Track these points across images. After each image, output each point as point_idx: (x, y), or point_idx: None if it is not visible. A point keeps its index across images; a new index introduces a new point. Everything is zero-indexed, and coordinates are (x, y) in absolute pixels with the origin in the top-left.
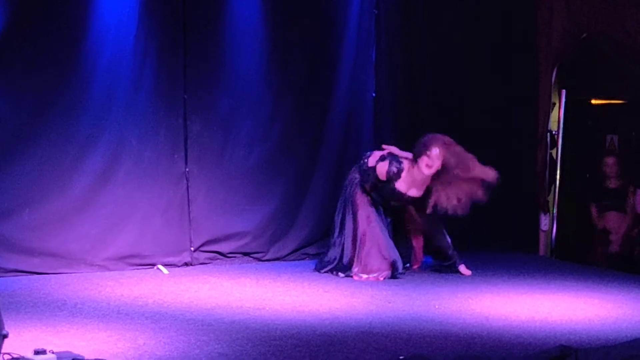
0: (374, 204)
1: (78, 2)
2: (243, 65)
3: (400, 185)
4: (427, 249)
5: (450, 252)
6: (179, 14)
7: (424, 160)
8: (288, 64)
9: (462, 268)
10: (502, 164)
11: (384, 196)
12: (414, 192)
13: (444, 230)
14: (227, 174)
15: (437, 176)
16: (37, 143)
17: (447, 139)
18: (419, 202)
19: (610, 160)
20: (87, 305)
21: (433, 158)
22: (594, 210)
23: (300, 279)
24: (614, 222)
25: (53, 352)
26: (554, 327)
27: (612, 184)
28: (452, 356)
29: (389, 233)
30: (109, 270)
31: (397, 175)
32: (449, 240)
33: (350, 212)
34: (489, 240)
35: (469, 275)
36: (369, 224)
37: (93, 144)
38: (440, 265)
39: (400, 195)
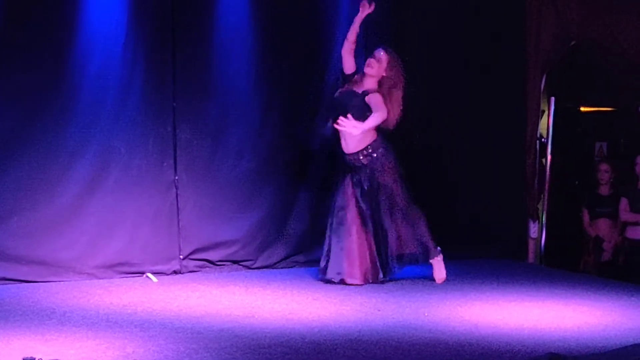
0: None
1: (66, 10)
2: (232, 73)
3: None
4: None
5: (430, 244)
6: (168, 22)
7: (370, 63)
8: (277, 72)
9: (436, 262)
10: (491, 171)
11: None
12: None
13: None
14: (216, 182)
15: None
16: (26, 151)
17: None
18: None
19: (603, 166)
20: (76, 313)
21: (379, 59)
22: (586, 217)
23: (289, 287)
24: (606, 230)
25: None
26: (543, 334)
27: (605, 191)
28: None
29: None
30: (98, 278)
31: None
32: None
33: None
34: (478, 247)
35: (442, 281)
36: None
37: (82, 152)
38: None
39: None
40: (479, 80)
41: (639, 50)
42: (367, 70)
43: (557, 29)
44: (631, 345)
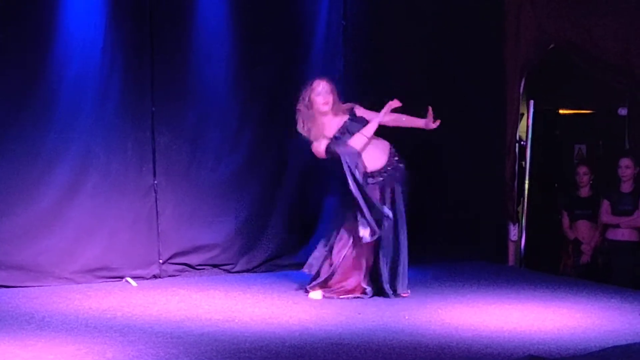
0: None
1: (44, 14)
2: (210, 77)
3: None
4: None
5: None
6: (146, 26)
7: (317, 102)
8: (255, 76)
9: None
10: (471, 174)
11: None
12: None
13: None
14: (196, 186)
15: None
16: (4, 156)
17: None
18: None
19: (582, 169)
20: (55, 318)
21: (322, 92)
22: (565, 220)
23: (269, 291)
24: (585, 232)
25: None
26: (523, 337)
27: (584, 193)
28: None
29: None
30: (77, 283)
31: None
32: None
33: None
34: (458, 250)
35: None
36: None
37: (60, 157)
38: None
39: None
40: (458, 83)
41: (617, 53)
42: (325, 107)
43: (535, 32)
44: (611, 347)
